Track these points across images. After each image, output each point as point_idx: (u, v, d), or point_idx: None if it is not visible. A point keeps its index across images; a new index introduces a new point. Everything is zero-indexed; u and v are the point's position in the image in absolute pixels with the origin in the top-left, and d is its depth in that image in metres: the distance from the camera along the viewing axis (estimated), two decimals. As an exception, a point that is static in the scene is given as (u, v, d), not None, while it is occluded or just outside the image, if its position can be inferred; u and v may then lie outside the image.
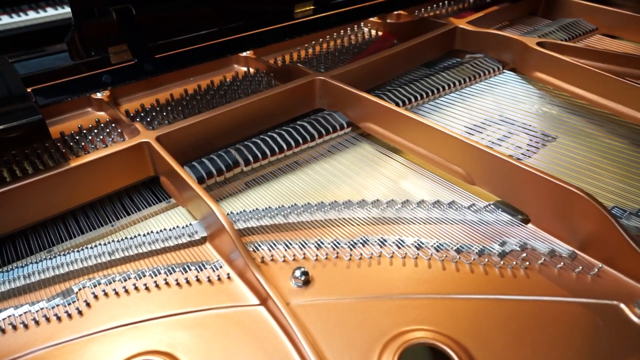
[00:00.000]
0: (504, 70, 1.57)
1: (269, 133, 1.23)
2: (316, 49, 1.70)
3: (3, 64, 1.12)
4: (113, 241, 0.97)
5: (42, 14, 2.47)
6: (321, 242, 0.94)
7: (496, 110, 1.38)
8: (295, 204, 1.05)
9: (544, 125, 1.31)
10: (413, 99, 1.39)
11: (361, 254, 0.91)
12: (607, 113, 1.35)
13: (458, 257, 0.90)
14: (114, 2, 1.15)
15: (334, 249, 0.93)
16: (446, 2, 1.98)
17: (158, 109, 1.34)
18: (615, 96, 1.34)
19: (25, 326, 0.81)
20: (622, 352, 0.74)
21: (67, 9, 2.56)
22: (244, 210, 1.04)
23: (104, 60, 1.21)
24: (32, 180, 0.98)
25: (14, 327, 0.81)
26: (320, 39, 1.76)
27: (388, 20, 1.86)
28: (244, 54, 1.59)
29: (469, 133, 1.28)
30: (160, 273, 0.89)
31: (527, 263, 0.88)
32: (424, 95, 1.41)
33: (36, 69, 1.18)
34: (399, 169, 1.17)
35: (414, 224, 0.99)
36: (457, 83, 1.48)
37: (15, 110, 0.98)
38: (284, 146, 1.20)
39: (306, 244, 0.94)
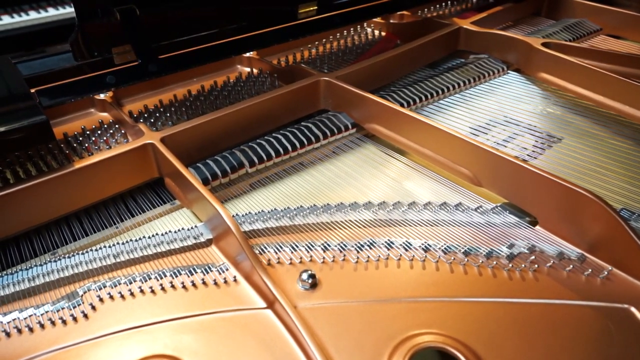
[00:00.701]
0: (509, 71, 1.57)
1: (273, 134, 1.23)
2: (319, 50, 1.69)
3: (6, 65, 1.11)
4: (118, 243, 0.96)
5: (43, 14, 2.46)
6: (328, 245, 0.93)
7: (501, 111, 1.37)
8: (301, 206, 1.04)
9: (549, 126, 1.31)
10: (418, 100, 1.38)
11: (368, 257, 0.91)
12: (612, 114, 1.34)
13: (466, 259, 0.89)
14: (118, 3, 1.14)
15: (340, 251, 0.92)
16: (449, 2, 1.97)
17: (161, 109, 1.33)
18: (620, 97, 1.34)
19: (31, 329, 0.80)
20: (633, 356, 0.74)
21: (69, 9, 2.55)
22: (250, 212, 1.03)
23: (107, 61, 1.20)
24: (36, 182, 0.97)
25: (19, 331, 0.80)
26: (324, 40, 1.76)
27: (391, 21, 1.86)
28: (247, 54, 1.58)
29: (473, 134, 1.28)
30: (165, 276, 0.88)
31: (536, 266, 0.88)
32: (429, 96, 1.41)
33: (40, 69, 1.17)
34: (404, 171, 1.17)
35: (421, 226, 0.98)
36: (461, 84, 1.47)
37: (20, 112, 0.97)
38: (289, 147, 1.20)
39: (313, 246, 0.93)
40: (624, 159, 1.17)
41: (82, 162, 1.03)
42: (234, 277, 0.88)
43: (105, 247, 0.96)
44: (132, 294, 0.85)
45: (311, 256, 0.91)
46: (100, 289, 0.86)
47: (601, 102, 1.37)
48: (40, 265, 0.92)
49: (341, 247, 0.93)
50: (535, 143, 1.24)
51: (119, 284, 0.87)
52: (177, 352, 0.76)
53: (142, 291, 0.86)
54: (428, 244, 0.93)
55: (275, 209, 1.04)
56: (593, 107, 1.38)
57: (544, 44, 1.49)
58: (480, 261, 0.89)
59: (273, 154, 1.17)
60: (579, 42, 1.73)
